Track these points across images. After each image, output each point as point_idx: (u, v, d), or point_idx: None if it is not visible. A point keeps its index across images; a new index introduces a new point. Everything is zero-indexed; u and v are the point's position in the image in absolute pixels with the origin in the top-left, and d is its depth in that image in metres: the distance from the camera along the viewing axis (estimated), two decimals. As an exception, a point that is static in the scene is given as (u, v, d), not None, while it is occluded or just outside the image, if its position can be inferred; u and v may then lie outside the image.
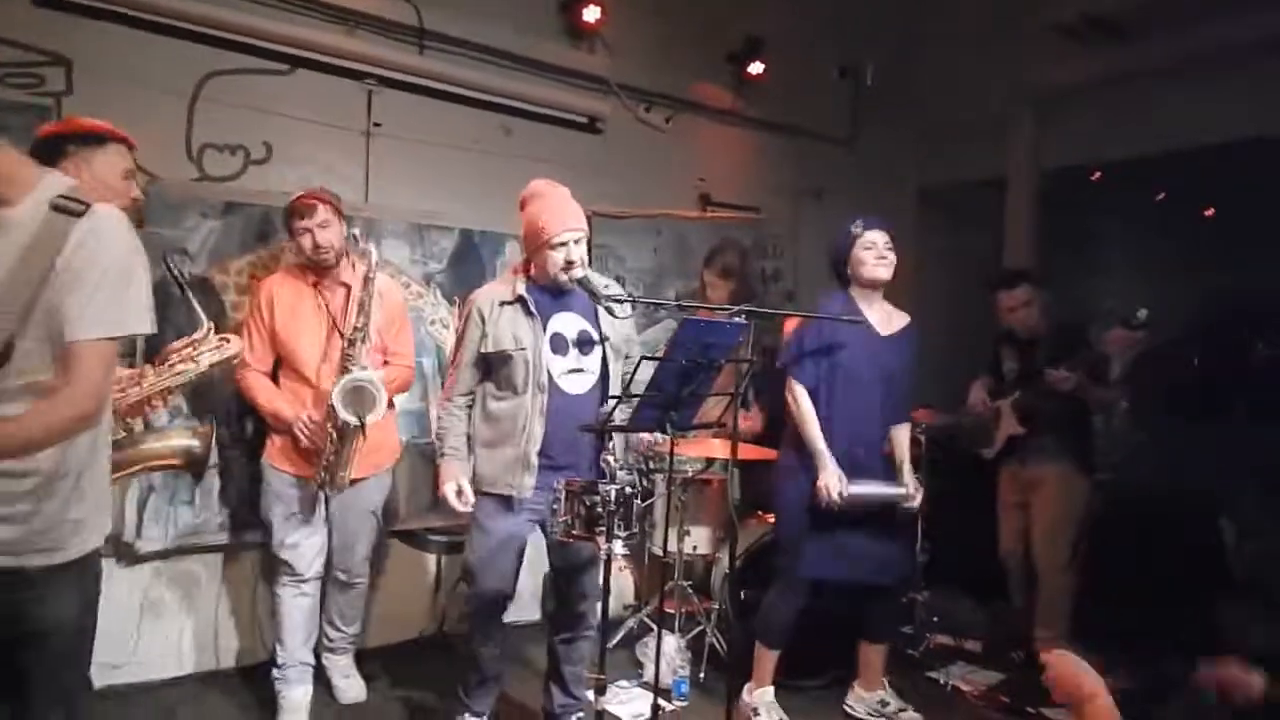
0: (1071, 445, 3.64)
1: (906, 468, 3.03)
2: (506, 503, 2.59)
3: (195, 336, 2.37)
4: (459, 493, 2.56)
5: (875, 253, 2.94)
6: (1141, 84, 4.41)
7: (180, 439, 2.36)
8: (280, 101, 3.53)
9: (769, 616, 3.07)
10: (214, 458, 3.17)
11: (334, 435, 2.80)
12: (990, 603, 4.12)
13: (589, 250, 2.66)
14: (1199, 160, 4.37)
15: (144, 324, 1.62)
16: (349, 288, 2.98)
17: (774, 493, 3.13)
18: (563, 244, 2.53)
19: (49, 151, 2.03)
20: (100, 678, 3.03)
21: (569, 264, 2.53)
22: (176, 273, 2.24)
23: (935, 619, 3.92)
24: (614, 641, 3.73)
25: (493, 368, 2.62)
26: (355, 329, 2.84)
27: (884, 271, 2.95)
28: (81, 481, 1.63)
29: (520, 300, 2.59)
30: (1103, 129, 4.67)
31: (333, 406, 2.74)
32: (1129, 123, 4.51)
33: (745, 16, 4.80)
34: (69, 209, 1.53)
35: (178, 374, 2.28)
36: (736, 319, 2.40)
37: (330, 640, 3.24)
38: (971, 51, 4.73)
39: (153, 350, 2.57)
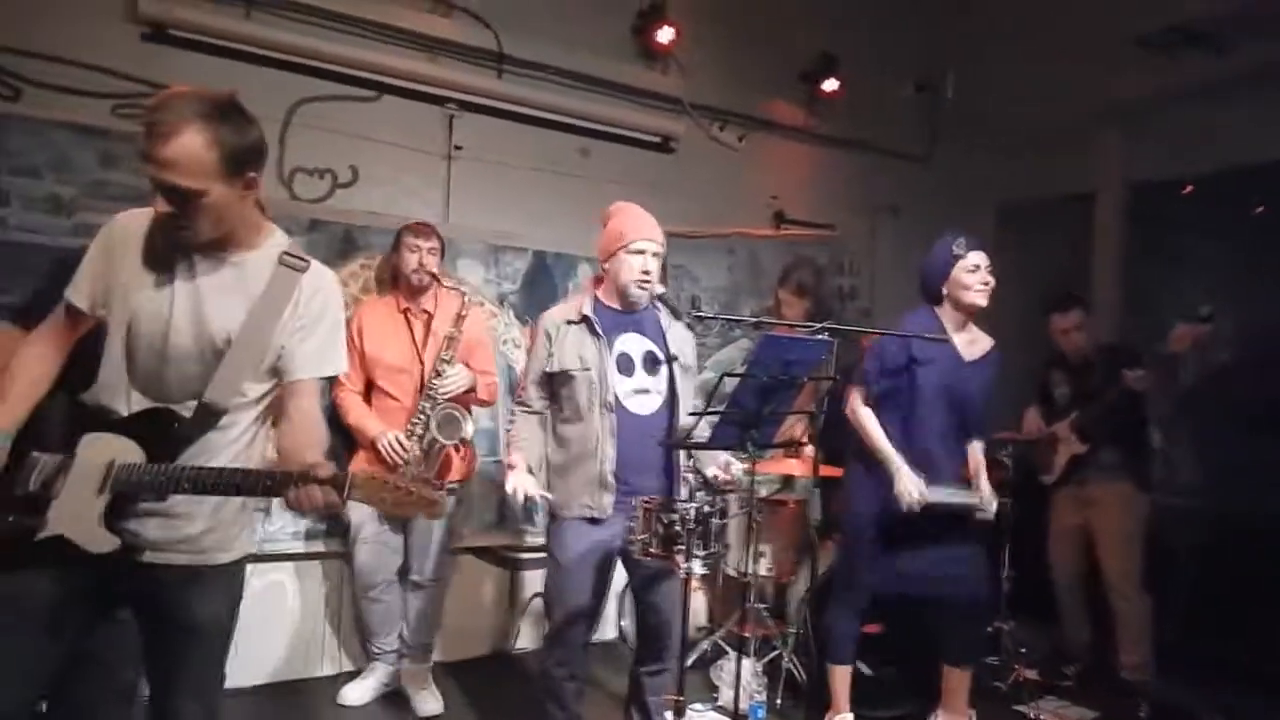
0: (1131, 462, 3.64)
1: (982, 478, 2.93)
2: (585, 525, 2.52)
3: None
4: (515, 489, 2.50)
5: (979, 277, 2.82)
6: (1228, 94, 4.22)
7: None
8: (366, 126, 3.64)
9: (831, 631, 3.01)
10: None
11: (418, 453, 3.01)
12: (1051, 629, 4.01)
13: (664, 270, 2.67)
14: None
15: (342, 368, 1.86)
16: (431, 316, 3.19)
17: (841, 507, 3.08)
18: (640, 251, 2.51)
19: None
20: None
21: (645, 274, 2.50)
22: None
23: (1022, 650, 3.75)
24: (688, 663, 3.67)
25: (558, 390, 2.58)
26: (443, 360, 3.08)
27: (984, 299, 2.85)
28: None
29: (585, 320, 2.55)
30: (1191, 141, 4.48)
31: (425, 424, 3.03)
32: (1218, 135, 4.32)
33: (818, 34, 4.78)
34: (295, 265, 1.75)
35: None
36: (818, 336, 2.35)
37: (408, 648, 3.29)
38: (1053, 64, 4.59)
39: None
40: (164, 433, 1.66)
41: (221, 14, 3.31)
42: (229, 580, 1.83)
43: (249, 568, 3.23)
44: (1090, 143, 4.86)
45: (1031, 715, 3.42)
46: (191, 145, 1.54)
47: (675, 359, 2.62)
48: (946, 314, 2.91)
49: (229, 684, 3.19)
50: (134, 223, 1.72)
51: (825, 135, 4.95)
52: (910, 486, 2.74)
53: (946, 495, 2.79)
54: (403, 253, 3.16)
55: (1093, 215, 4.93)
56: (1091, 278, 4.83)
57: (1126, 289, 4.82)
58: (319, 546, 3.44)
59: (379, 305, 3.29)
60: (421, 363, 3.14)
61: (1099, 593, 3.73)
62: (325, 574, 3.50)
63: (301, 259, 1.76)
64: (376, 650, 3.30)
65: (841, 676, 3.02)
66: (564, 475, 2.55)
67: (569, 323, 2.57)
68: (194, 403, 1.68)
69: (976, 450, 3.00)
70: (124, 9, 3.15)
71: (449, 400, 3.10)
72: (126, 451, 1.63)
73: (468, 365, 3.20)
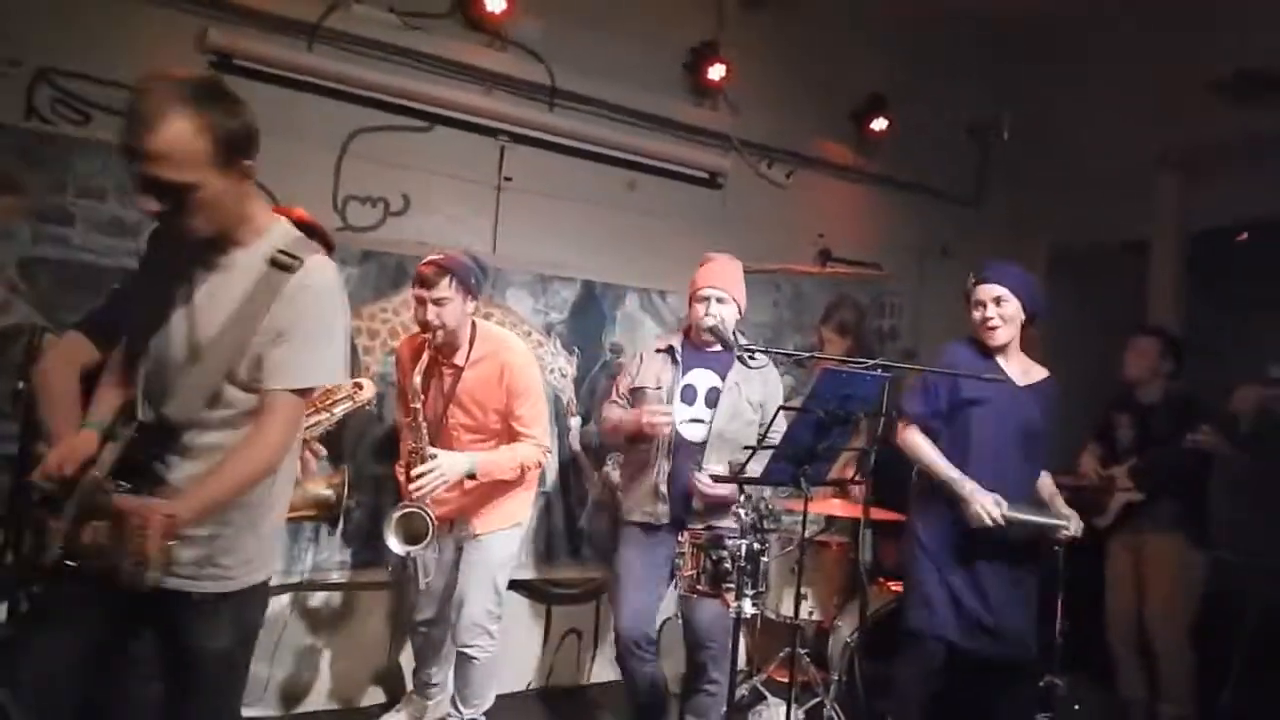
0: (1189, 517, 3.58)
1: (1060, 501, 2.83)
2: (645, 530, 2.92)
3: (329, 385, 2.34)
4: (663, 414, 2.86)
5: (980, 314, 2.79)
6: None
7: (316, 488, 2.42)
8: (419, 156, 3.69)
9: (897, 688, 2.87)
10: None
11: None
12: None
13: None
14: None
15: (336, 376, 1.69)
16: (459, 371, 2.83)
17: (904, 550, 2.98)
18: (704, 299, 2.88)
19: None
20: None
21: (704, 318, 2.83)
22: None
23: (1076, 708, 3.58)
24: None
25: (635, 404, 2.98)
26: (413, 452, 2.70)
27: (993, 338, 2.77)
28: (256, 516, 1.67)
29: (669, 350, 3.02)
30: (1253, 189, 4.38)
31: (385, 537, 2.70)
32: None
33: (868, 73, 4.77)
34: (285, 265, 1.59)
35: (313, 425, 2.31)
36: (874, 372, 2.30)
37: (451, 716, 3.04)
38: (1115, 107, 4.54)
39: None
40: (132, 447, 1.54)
41: (284, 45, 3.39)
42: (242, 607, 1.69)
43: (291, 596, 3.29)
44: (1149, 188, 4.77)
45: (1086, 777, 3.27)
46: (180, 134, 1.41)
47: (756, 404, 2.91)
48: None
49: (268, 712, 3.24)
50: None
51: (873, 174, 4.92)
52: (985, 501, 2.60)
53: (1028, 514, 2.66)
54: (413, 301, 2.79)
55: (1149, 261, 4.83)
56: (1146, 322, 4.70)
57: (1182, 337, 4.69)
58: (365, 577, 3.41)
59: (416, 340, 2.94)
60: (428, 419, 2.77)
61: (1151, 648, 3.62)
62: (371, 604, 3.48)
63: (293, 256, 1.60)
64: (419, 681, 3.22)
65: None
66: (629, 483, 3.03)
67: (658, 351, 3.05)
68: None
69: (1047, 481, 2.89)
70: (194, 39, 3.24)
71: (421, 499, 2.65)
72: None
73: (511, 420, 2.85)
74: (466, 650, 2.89)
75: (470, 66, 3.77)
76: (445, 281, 2.70)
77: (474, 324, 2.90)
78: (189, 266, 1.59)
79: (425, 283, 2.71)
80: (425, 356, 2.81)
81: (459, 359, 2.85)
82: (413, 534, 2.69)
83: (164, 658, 1.69)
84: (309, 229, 2.32)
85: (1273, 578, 3.90)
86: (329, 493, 2.40)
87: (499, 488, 2.90)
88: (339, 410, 2.36)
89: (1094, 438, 3.82)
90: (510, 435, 2.91)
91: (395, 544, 2.67)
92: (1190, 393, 3.64)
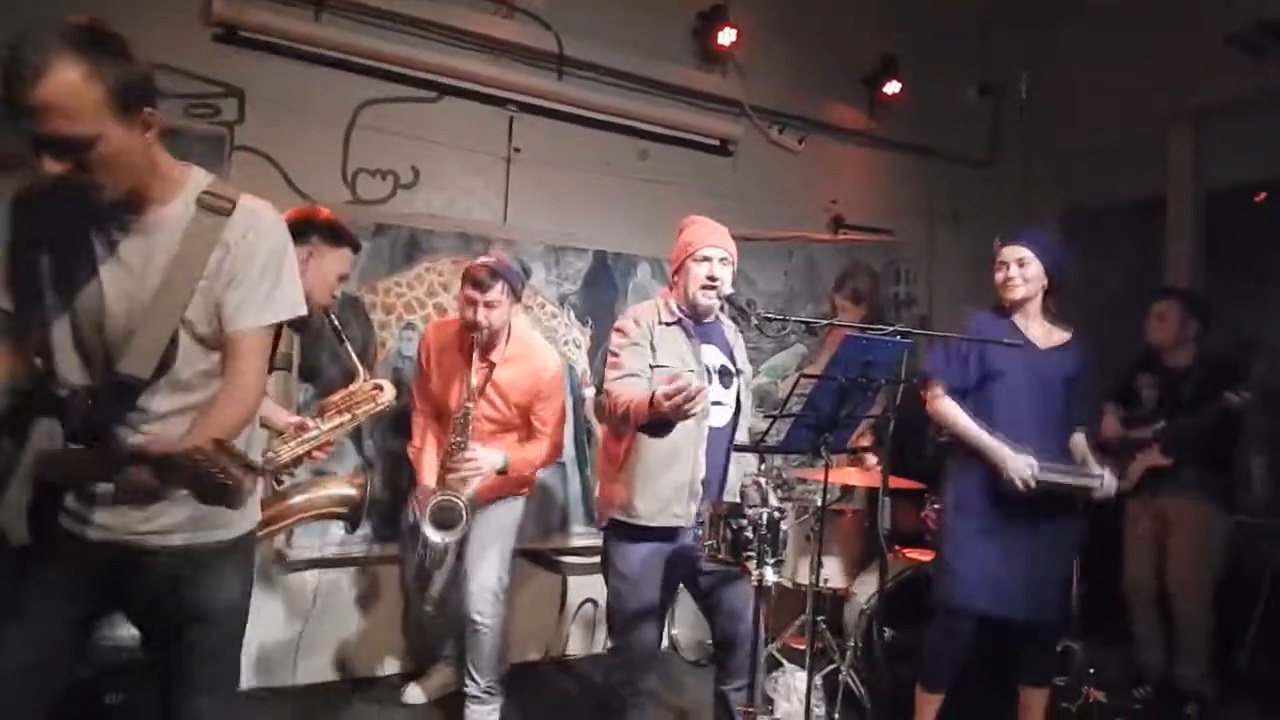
0: (1213, 480, 3.51)
1: (1091, 461, 2.81)
2: (664, 541, 2.42)
3: (351, 388, 2.38)
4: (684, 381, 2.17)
5: (1003, 274, 2.83)
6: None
7: (339, 488, 2.45)
8: (428, 128, 3.65)
9: (927, 655, 2.88)
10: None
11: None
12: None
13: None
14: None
15: (298, 308, 1.64)
16: (493, 366, 2.92)
17: (941, 522, 2.99)
18: (706, 259, 2.48)
19: (295, 232, 2.15)
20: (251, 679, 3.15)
21: (710, 280, 2.46)
22: (335, 325, 2.38)
23: (1092, 670, 3.61)
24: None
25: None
26: (454, 442, 2.84)
27: (1011, 292, 2.82)
28: None
29: (680, 323, 2.50)
30: (1270, 145, 4.31)
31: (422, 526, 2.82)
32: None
33: (880, 37, 4.70)
34: (217, 207, 1.53)
35: (336, 427, 2.33)
36: (896, 339, 2.28)
37: (467, 686, 3.05)
38: (1124, 65, 4.46)
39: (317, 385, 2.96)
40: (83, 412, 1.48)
41: (291, 16, 3.34)
42: (243, 555, 1.67)
43: (318, 572, 3.31)
44: (1163, 147, 4.70)
45: (1103, 738, 3.30)
46: (68, 81, 1.29)
47: (742, 371, 2.60)
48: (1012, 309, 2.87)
49: (295, 680, 3.28)
50: (38, 198, 1.50)
51: (886, 139, 4.86)
52: (1020, 464, 2.62)
53: (1061, 474, 2.66)
54: (463, 299, 2.88)
55: (1164, 221, 4.77)
56: (1166, 284, 4.66)
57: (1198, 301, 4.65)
58: (385, 551, 3.44)
59: (448, 329, 3.04)
60: (454, 428, 2.88)
61: (1171, 611, 3.61)
62: (391, 578, 3.50)
63: (226, 199, 1.53)
64: (440, 653, 3.30)
65: (932, 703, 2.89)
66: (650, 479, 2.40)
67: (663, 323, 2.49)
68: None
69: (1080, 439, 2.88)
70: (199, 11, 3.20)
71: (460, 486, 2.81)
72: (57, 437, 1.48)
73: (533, 418, 2.98)
74: (476, 619, 2.93)
75: (478, 35, 3.72)
76: (499, 287, 2.80)
77: (509, 323, 2.99)
78: (107, 229, 1.51)
79: (479, 285, 2.79)
80: (463, 350, 2.93)
81: (495, 355, 2.94)
82: (446, 522, 2.81)
83: (156, 631, 1.64)
84: (335, 229, 2.33)
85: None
86: (353, 492, 2.43)
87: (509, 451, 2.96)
88: (361, 411, 2.37)
89: (1113, 398, 3.77)
90: (528, 428, 3.01)
91: (433, 533, 2.79)
92: (1223, 356, 3.55)
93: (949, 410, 2.80)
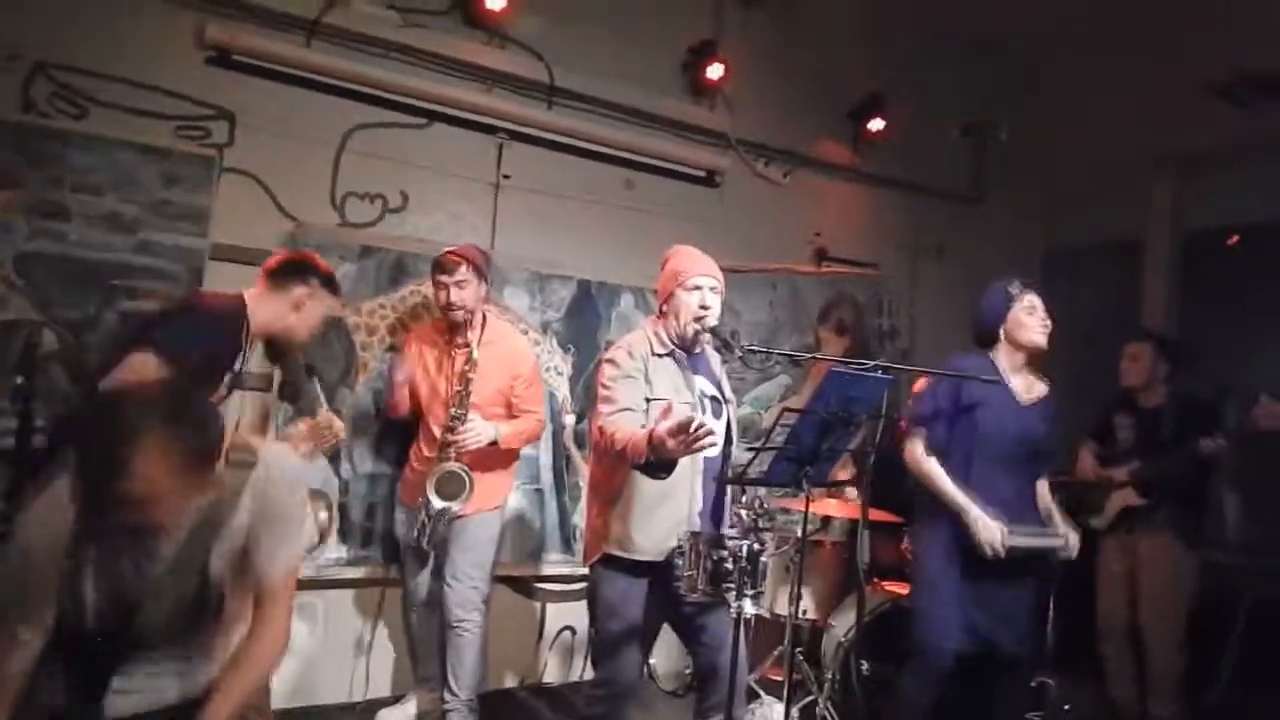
0: (1186, 519, 3.60)
1: (1057, 516, 2.84)
2: (659, 570, 2.38)
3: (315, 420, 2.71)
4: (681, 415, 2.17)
5: (1039, 317, 2.82)
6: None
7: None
8: (417, 153, 3.68)
9: (902, 699, 2.87)
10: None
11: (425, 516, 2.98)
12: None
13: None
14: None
15: (309, 543, 1.81)
16: (469, 348, 3.04)
17: (914, 564, 3.01)
18: (697, 287, 2.47)
19: (294, 272, 2.50)
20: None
21: (703, 309, 2.45)
22: (309, 364, 2.80)
23: (1066, 707, 3.62)
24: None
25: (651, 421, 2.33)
26: (453, 417, 2.98)
27: (1044, 339, 2.83)
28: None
29: (673, 354, 2.48)
30: (1248, 192, 4.42)
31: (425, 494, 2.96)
32: (1275, 186, 4.25)
33: (867, 73, 4.79)
34: (243, 462, 1.64)
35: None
36: (878, 374, 2.30)
37: (446, 703, 3.10)
38: (1108, 109, 4.57)
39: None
40: None
41: (283, 40, 3.37)
42: None
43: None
44: (1145, 189, 4.80)
45: (1078, 776, 3.30)
46: None
47: (730, 401, 2.61)
48: (1003, 357, 2.86)
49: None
50: None
51: (870, 174, 4.93)
52: (991, 532, 2.65)
53: (1028, 539, 2.70)
54: (434, 289, 3.10)
55: (1143, 263, 4.86)
56: (1138, 326, 4.74)
57: (1176, 339, 4.73)
58: (360, 572, 3.43)
59: (427, 332, 3.25)
60: (450, 398, 3.02)
61: (1143, 647, 3.65)
62: (368, 601, 3.49)
63: (249, 452, 1.67)
64: (419, 676, 3.29)
65: None
66: (648, 512, 2.37)
67: (656, 354, 2.47)
68: None
69: (1044, 490, 2.91)
70: (192, 34, 3.22)
71: (465, 455, 2.98)
72: None
73: (511, 405, 3.13)
74: (456, 627, 3.04)
75: (469, 64, 3.76)
76: (464, 267, 3.01)
77: (484, 313, 3.16)
78: None
79: (445, 269, 3.02)
80: (443, 340, 3.13)
81: (472, 339, 3.07)
82: (449, 493, 2.96)
83: None
84: (295, 264, 2.53)
85: (1264, 577, 3.97)
86: (323, 516, 2.58)
87: (477, 468, 3.02)
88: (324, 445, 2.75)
89: (1091, 436, 3.84)
90: (507, 412, 3.14)
91: (438, 500, 2.94)
92: (1193, 397, 3.64)
93: (924, 463, 2.81)
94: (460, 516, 3.02)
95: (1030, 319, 2.81)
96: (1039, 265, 5.24)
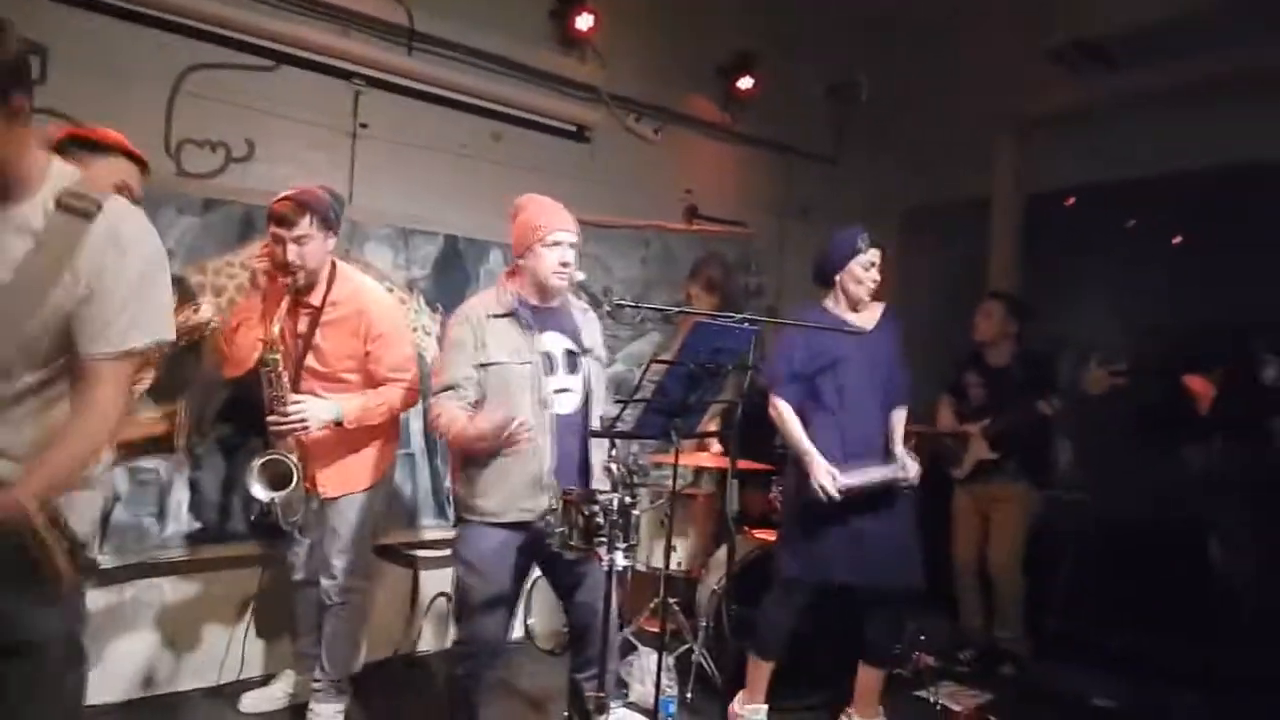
0: (1033, 466, 3.95)
1: (899, 448, 2.98)
2: (515, 531, 2.42)
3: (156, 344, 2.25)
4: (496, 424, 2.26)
5: (871, 275, 2.96)
6: (1127, 110, 4.48)
7: (148, 430, 2.31)
8: (263, 98, 3.42)
9: (761, 625, 3.01)
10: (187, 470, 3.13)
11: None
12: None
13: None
14: (1180, 186, 4.44)
15: (166, 332, 1.50)
16: (317, 312, 2.70)
17: (784, 500, 3.18)
18: (557, 243, 2.44)
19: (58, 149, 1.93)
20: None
21: (564, 265, 2.44)
22: None
23: (922, 638, 3.87)
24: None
25: (489, 385, 2.42)
26: (275, 397, 2.62)
27: (868, 295, 2.98)
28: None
29: (513, 314, 2.46)
30: (1087, 155, 4.73)
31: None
32: (1113, 149, 4.57)
33: (736, 31, 4.80)
34: (78, 209, 1.37)
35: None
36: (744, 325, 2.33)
37: (315, 682, 2.95)
38: (961, 73, 4.76)
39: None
40: None
41: (105, -33, 3.04)
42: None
43: (135, 577, 3.05)
44: (991, 152, 5.06)
45: (931, 700, 3.54)
46: None
47: (590, 351, 2.58)
48: (837, 304, 3.02)
49: (124, 696, 3.01)
50: None
51: (740, 133, 4.97)
52: (823, 479, 2.77)
53: (864, 476, 2.81)
54: (270, 241, 2.63)
55: (989, 224, 5.14)
56: (987, 284, 5.02)
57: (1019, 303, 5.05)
58: (215, 552, 3.22)
59: (274, 291, 2.74)
60: (297, 368, 2.70)
61: (990, 581, 3.99)
62: (224, 580, 3.29)
63: (89, 199, 1.39)
64: (297, 652, 3.12)
65: (763, 670, 3.02)
66: (497, 476, 2.38)
67: (493, 316, 2.45)
68: None
69: (898, 421, 3.04)
70: (-8, -46, 2.84)
71: (290, 443, 2.65)
72: None
73: (369, 369, 2.76)
74: (333, 606, 2.87)
75: (321, 2, 3.50)
76: (305, 219, 2.58)
77: (333, 263, 2.78)
78: None
79: (283, 221, 2.58)
80: (276, 297, 2.68)
81: (315, 298, 2.72)
82: (277, 481, 2.65)
83: None
84: (112, 148, 2.12)
85: (1092, 511, 4.36)
86: (163, 428, 2.30)
87: (343, 446, 2.80)
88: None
89: (948, 391, 4.12)
90: (368, 384, 2.80)
91: (260, 490, 2.62)
92: (1035, 356, 3.97)
93: (779, 411, 2.95)
94: (330, 499, 2.82)
95: (864, 274, 2.94)
96: (896, 225, 5.45)
